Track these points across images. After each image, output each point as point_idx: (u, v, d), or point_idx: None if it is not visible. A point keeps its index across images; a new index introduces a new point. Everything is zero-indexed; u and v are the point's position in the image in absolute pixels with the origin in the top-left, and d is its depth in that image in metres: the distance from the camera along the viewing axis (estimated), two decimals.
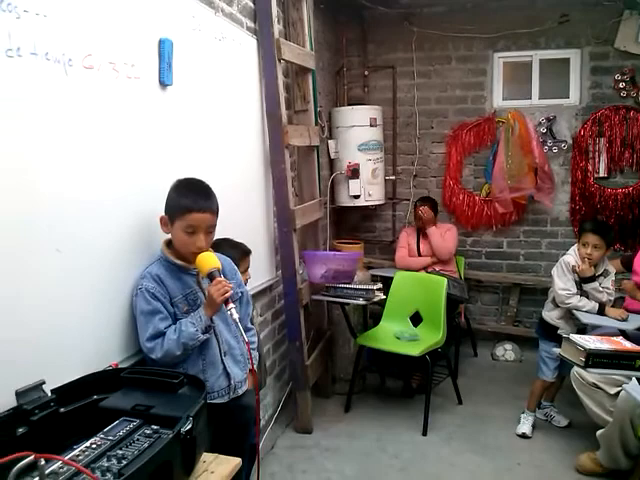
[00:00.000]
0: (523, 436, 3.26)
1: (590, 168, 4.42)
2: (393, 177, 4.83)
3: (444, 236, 4.18)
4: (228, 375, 1.95)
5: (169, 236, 1.90)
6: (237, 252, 2.28)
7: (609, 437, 2.70)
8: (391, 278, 3.91)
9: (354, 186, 4.39)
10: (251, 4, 2.94)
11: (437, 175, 4.82)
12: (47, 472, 1.09)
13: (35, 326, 1.48)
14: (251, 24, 2.94)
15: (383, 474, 2.92)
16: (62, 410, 1.39)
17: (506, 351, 4.54)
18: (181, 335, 1.77)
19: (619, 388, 2.65)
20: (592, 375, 2.73)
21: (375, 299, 3.35)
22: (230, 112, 2.66)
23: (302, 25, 3.44)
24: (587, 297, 3.13)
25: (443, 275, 3.83)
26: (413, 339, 3.54)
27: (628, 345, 2.65)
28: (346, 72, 4.78)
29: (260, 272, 2.99)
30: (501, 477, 2.89)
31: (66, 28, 1.57)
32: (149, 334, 1.78)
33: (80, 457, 1.17)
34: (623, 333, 2.96)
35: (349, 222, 4.99)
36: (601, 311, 3.08)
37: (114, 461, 1.16)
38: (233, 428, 1.94)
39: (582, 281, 3.12)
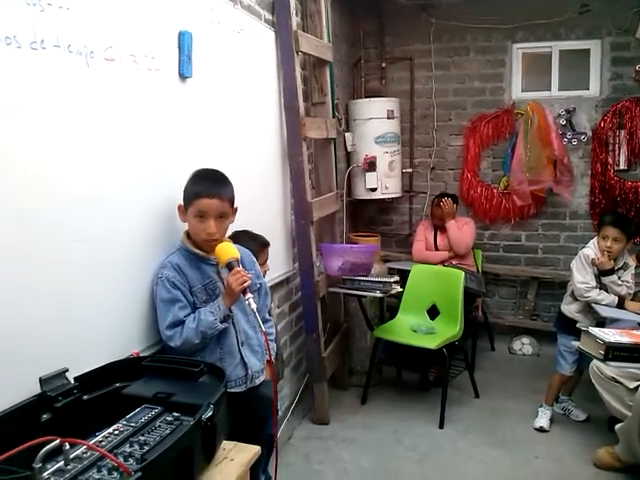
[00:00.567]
0: (540, 430, 3.25)
1: (610, 160, 4.37)
2: (410, 170, 4.81)
3: (462, 230, 4.16)
4: (245, 365, 1.97)
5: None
6: (256, 244, 2.29)
7: (628, 431, 2.68)
8: (408, 271, 3.91)
9: (371, 179, 4.39)
10: None
11: (455, 168, 4.79)
12: (71, 456, 1.11)
13: (58, 315, 1.50)
14: (269, 16, 2.94)
15: (399, 466, 2.93)
16: (85, 397, 1.42)
17: (524, 345, 4.51)
18: (200, 324, 1.79)
19: (638, 382, 2.63)
20: (611, 369, 2.71)
21: (392, 292, 3.35)
22: (248, 104, 2.67)
23: (320, 17, 3.43)
24: (606, 290, 3.10)
25: (460, 269, 3.81)
26: (430, 332, 3.54)
27: None
28: (363, 64, 4.76)
29: (277, 264, 3.01)
30: (518, 470, 2.89)
31: (88, 21, 1.58)
32: (168, 322, 1.81)
33: (103, 443, 1.19)
34: None
35: (366, 215, 4.98)
36: (620, 304, 3.06)
37: (136, 447, 1.18)
38: (250, 418, 1.95)
39: (601, 274, 3.10)
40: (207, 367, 1.50)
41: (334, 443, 3.14)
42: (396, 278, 3.38)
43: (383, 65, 4.78)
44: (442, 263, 4.10)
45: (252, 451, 1.45)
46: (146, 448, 1.17)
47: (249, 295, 1.75)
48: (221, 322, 1.81)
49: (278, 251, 3.04)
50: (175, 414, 1.31)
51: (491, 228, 4.76)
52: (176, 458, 1.15)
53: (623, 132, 4.31)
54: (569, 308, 3.24)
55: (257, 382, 2.02)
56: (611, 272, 3.08)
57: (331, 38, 3.60)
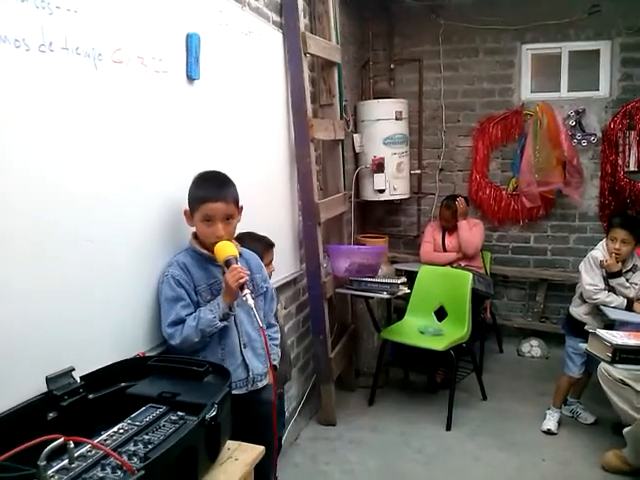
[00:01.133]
0: (548, 432, 3.24)
1: (620, 162, 4.33)
2: (418, 171, 4.80)
3: (471, 231, 4.15)
4: (247, 367, 1.96)
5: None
6: (260, 245, 2.30)
7: (636, 434, 2.66)
8: (415, 273, 3.90)
9: (379, 180, 4.39)
10: None
11: (463, 169, 4.78)
12: (76, 455, 1.12)
13: (65, 314, 1.52)
14: (277, 18, 2.95)
15: (406, 468, 2.93)
16: (91, 396, 1.43)
17: (532, 347, 4.49)
18: (199, 322, 1.80)
19: None
20: (619, 371, 2.70)
21: (399, 293, 3.35)
22: (256, 106, 2.68)
23: (328, 19, 3.44)
24: (615, 292, 3.08)
25: (469, 270, 3.80)
26: (437, 334, 3.54)
27: None
28: (372, 65, 4.76)
29: (285, 265, 3.02)
30: (525, 473, 2.88)
31: (96, 23, 1.60)
32: (170, 320, 1.82)
33: (108, 441, 1.20)
34: None
35: (374, 216, 4.98)
36: (629, 307, 3.04)
37: (140, 445, 1.19)
38: (251, 421, 1.91)
39: (609, 276, 3.08)
40: (212, 367, 1.51)
41: (341, 444, 3.14)
42: (403, 279, 3.38)
43: (392, 66, 4.78)
44: (450, 264, 4.09)
45: (256, 451, 1.46)
46: (150, 447, 1.18)
47: (246, 291, 1.75)
48: (220, 320, 1.81)
49: (285, 252, 3.05)
50: (180, 413, 1.32)
51: (500, 229, 4.75)
52: (179, 457, 1.16)
53: (633, 133, 4.27)
54: (577, 310, 3.23)
55: (259, 385, 2.00)
56: (619, 274, 3.06)
57: (339, 39, 3.61)
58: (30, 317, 1.41)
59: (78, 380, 1.43)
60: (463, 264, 4.08)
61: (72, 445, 1.10)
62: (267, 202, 2.78)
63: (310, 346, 3.50)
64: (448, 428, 3.30)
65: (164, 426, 1.27)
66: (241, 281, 1.76)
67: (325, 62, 3.48)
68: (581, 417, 3.38)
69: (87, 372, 1.47)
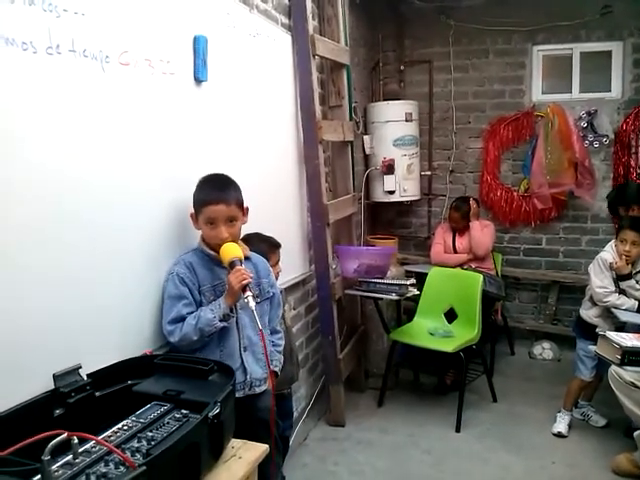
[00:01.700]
0: (559, 435, 3.21)
1: (632, 163, 4.28)
2: (429, 172, 4.79)
3: (482, 232, 4.13)
4: (245, 370, 1.95)
5: None
6: (266, 246, 2.30)
7: None
8: (426, 274, 3.89)
9: (389, 181, 4.39)
10: (286, 1, 2.97)
11: (474, 170, 4.77)
12: (80, 451, 1.14)
13: (73, 313, 1.54)
14: (286, 20, 2.97)
15: (415, 469, 2.92)
16: (97, 394, 1.44)
17: (544, 350, 4.46)
18: (199, 321, 1.81)
19: None
20: (630, 374, 2.67)
21: (408, 294, 3.35)
22: (265, 108, 2.69)
23: (337, 21, 3.45)
24: (626, 295, 3.06)
25: (480, 272, 3.79)
26: (447, 335, 3.53)
27: None
28: (382, 67, 4.77)
29: (293, 266, 3.03)
30: (535, 475, 2.86)
31: (103, 26, 1.62)
32: (171, 317, 1.84)
33: (112, 438, 1.22)
34: None
35: (384, 218, 4.98)
36: None
37: (144, 442, 1.20)
38: (249, 426, 1.81)
39: (619, 279, 3.05)
40: (217, 366, 1.52)
41: (350, 445, 3.14)
42: (412, 281, 3.38)
43: (402, 68, 4.79)
44: (461, 266, 4.08)
45: (260, 450, 1.46)
46: (153, 443, 1.19)
47: (248, 293, 1.76)
48: (220, 321, 1.82)
49: (294, 253, 3.06)
50: (184, 411, 1.34)
51: (511, 231, 4.72)
52: (182, 454, 1.17)
53: None
54: (588, 313, 3.20)
55: (257, 390, 1.98)
56: (629, 277, 3.04)
57: (349, 42, 3.62)
58: (38, 314, 1.43)
59: (85, 378, 1.44)
60: (474, 265, 4.07)
61: (76, 441, 1.11)
62: (276, 203, 2.79)
63: (319, 347, 3.50)
64: (457, 430, 3.29)
65: (168, 423, 1.29)
66: (244, 282, 1.76)
67: (334, 64, 3.49)
68: (592, 420, 3.35)
69: (94, 370, 1.48)
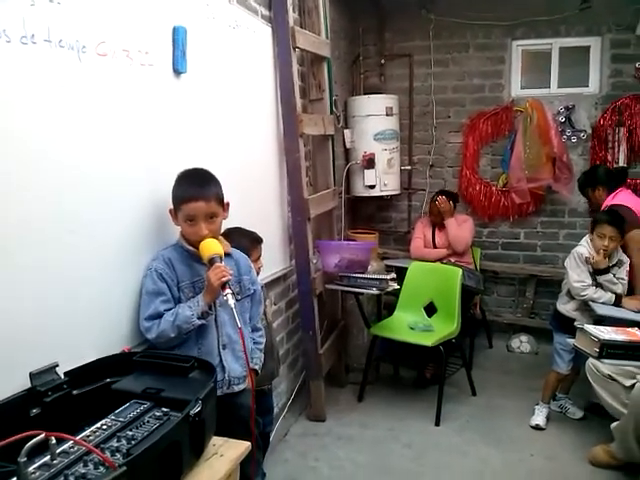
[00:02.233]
0: (537, 427, 3.25)
1: (610, 158, 4.34)
2: (409, 167, 4.79)
3: (461, 227, 4.15)
4: (224, 368, 1.92)
5: None
6: (248, 240, 2.28)
7: (624, 429, 2.67)
8: (406, 269, 3.90)
9: (370, 176, 4.38)
10: None
11: (454, 165, 4.78)
12: (58, 451, 1.11)
13: (49, 310, 1.50)
14: (266, 12, 2.94)
15: (396, 463, 2.93)
16: (75, 392, 1.42)
17: (522, 343, 4.51)
18: (177, 318, 1.78)
19: (634, 380, 2.62)
20: (607, 367, 2.71)
21: (389, 289, 3.35)
22: (244, 100, 2.66)
23: (317, 13, 3.42)
24: (602, 288, 3.10)
25: (459, 266, 3.81)
26: (427, 329, 3.54)
27: None
28: (362, 61, 4.76)
29: (274, 261, 3.00)
30: (513, 467, 2.89)
31: (80, 15, 1.58)
32: (148, 314, 1.81)
33: (91, 437, 1.19)
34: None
35: (364, 212, 4.98)
36: (617, 302, 3.05)
37: (124, 441, 1.18)
38: (228, 424, 1.81)
39: (596, 273, 3.09)
40: (197, 362, 1.50)
41: (330, 440, 3.14)
42: (393, 275, 3.38)
43: (382, 62, 4.77)
44: (440, 260, 4.09)
45: (242, 447, 1.45)
46: (133, 443, 1.17)
47: (227, 291, 1.73)
48: (198, 318, 1.79)
49: (275, 248, 3.04)
50: (164, 409, 1.31)
51: (490, 226, 4.76)
52: (163, 453, 1.15)
53: (622, 129, 4.29)
54: (566, 307, 3.24)
55: (235, 389, 1.96)
56: (606, 271, 3.08)
57: (330, 34, 3.59)
58: (13, 311, 1.39)
59: (62, 376, 1.41)
60: (453, 260, 4.09)
61: (54, 441, 1.09)
62: (256, 197, 2.77)
63: (299, 342, 3.49)
64: (437, 423, 3.31)
65: (148, 422, 1.26)
66: (223, 280, 1.74)
67: (314, 57, 3.46)
68: (569, 412, 3.39)
69: (71, 368, 1.45)
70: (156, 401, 1.34)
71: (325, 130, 3.44)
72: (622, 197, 3.49)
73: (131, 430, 1.22)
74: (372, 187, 4.42)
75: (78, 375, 1.45)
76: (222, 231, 2.00)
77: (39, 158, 1.46)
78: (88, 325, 1.65)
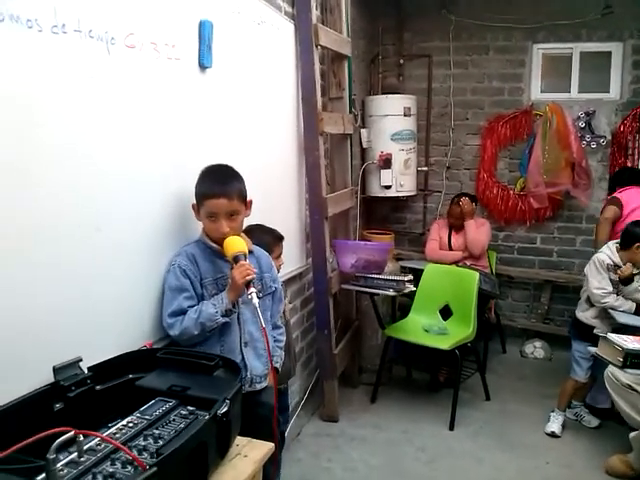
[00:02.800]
0: (552, 435, 3.21)
1: (629, 165, 4.29)
2: (425, 168, 4.76)
3: (478, 230, 4.12)
4: (246, 366, 1.90)
5: None
6: (270, 238, 2.26)
7: None
8: (420, 270, 3.87)
9: (386, 176, 4.35)
10: None
11: (470, 167, 4.74)
12: (84, 448, 1.09)
13: (73, 305, 1.49)
14: (289, 9, 2.91)
15: (409, 466, 2.91)
16: (98, 388, 1.39)
17: (535, 349, 4.46)
18: (200, 315, 1.76)
19: None
20: (627, 376, 2.66)
21: (405, 290, 3.32)
22: (266, 97, 2.64)
23: (339, 11, 3.40)
24: (623, 296, 3.05)
25: (475, 270, 3.77)
26: (442, 333, 3.51)
27: None
28: (381, 60, 4.73)
29: (291, 259, 2.97)
30: (528, 475, 2.85)
31: (110, 6, 1.56)
32: (171, 310, 1.79)
33: (117, 435, 1.17)
34: None
35: (379, 212, 4.95)
36: (638, 311, 3.01)
37: (150, 440, 1.16)
38: (249, 422, 1.81)
39: (622, 282, 3.04)
40: (222, 361, 1.48)
41: (343, 441, 3.12)
42: (410, 277, 3.34)
43: (401, 62, 4.74)
44: (456, 263, 4.06)
45: (266, 448, 1.43)
46: (160, 442, 1.14)
47: (252, 289, 1.72)
48: (222, 316, 1.77)
49: (292, 246, 3.01)
50: (190, 408, 1.29)
51: (506, 229, 4.72)
52: (191, 453, 1.12)
53: None
54: (585, 314, 3.19)
55: (257, 387, 1.94)
56: (631, 280, 3.03)
57: (350, 33, 3.57)
58: (37, 305, 1.37)
59: (85, 371, 1.39)
60: (469, 263, 4.05)
61: (82, 438, 1.06)
62: (275, 194, 2.74)
63: (313, 341, 3.47)
64: (451, 428, 3.27)
65: (174, 420, 1.24)
66: (247, 278, 1.72)
67: (335, 55, 3.44)
68: (585, 420, 3.35)
69: (94, 363, 1.43)
70: (181, 399, 1.32)
71: (344, 129, 3.41)
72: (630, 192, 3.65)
73: (157, 429, 1.20)
74: (388, 187, 4.38)
75: (101, 370, 1.42)
76: (244, 227, 1.98)
77: (67, 152, 1.44)
78: (110, 320, 1.63)
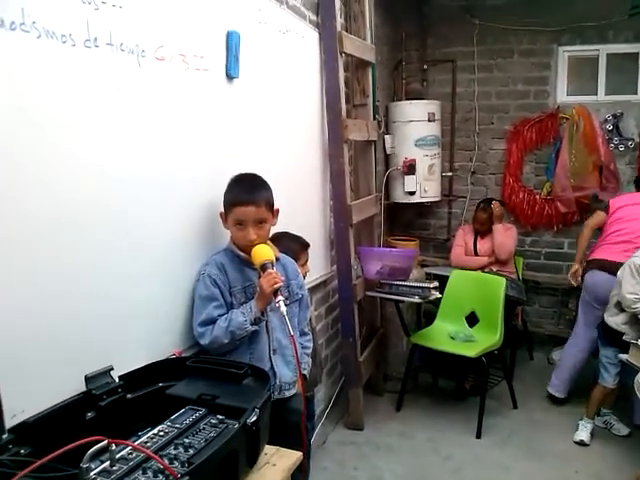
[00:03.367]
0: (581, 443, 3.16)
1: None
2: (450, 173, 4.74)
3: (505, 235, 4.08)
4: (275, 374, 1.92)
5: None
6: (296, 245, 2.28)
7: None
8: (445, 277, 3.84)
9: (410, 182, 4.33)
10: None
11: (496, 172, 4.70)
12: (117, 457, 1.10)
13: (103, 314, 1.51)
14: (314, 17, 2.93)
15: (436, 475, 2.89)
16: (129, 396, 1.41)
17: None
18: (230, 324, 1.78)
19: None
20: None
21: (431, 297, 3.30)
22: (292, 106, 2.66)
23: (363, 18, 3.40)
24: None
25: (501, 275, 3.73)
26: (468, 340, 3.48)
27: None
28: (404, 66, 4.71)
29: (315, 267, 2.97)
30: None
31: (140, 20, 1.59)
32: (202, 319, 1.81)
33: (148, 444, 1.18)
34: None
35: (403, 218, 4.93)
36: None
37: (181, 449, 1.16)
38: (278, 430, 1.82)
39: None
40: (250, 369, 1.48)
41: (369, 449, 3.11)
42: (435, 284, 3.32)
43: (424, 67, 4.73)
44: (482, 269, 4.02)
45: (294, 457, 1.43)
46: (191, 451, 1.15)
47: (280, 298, 1.73)
48: (251, 324, 1.79)
49: (317, 253, 3.01)
50: (219, 417, 1.30)
51: (533, 235, 4.66)
52: (221, 462, 1.13)
53: None
54: (615, 320, 3.13)
55: (286, 394, 1.96)
56: None
57: (373, 40, 3.57)
58: (68, 314, 1.40)
59: (116, 380, 1.41)
60: (495, 269, 4.01)
61: (114, 447, 1.08)
62: (300, 202, 2.75)
63: (338, 349, 3.46)
64: (478, 436, 3.24)
65: (204, 429, 1.25)
66: (275, 286, 1.74)
67: (359, 62, 3.44)
68: (615, 428, 3.29)
69: (125, 372, 1.45)
70: (210, 408, 1.33)
71: (369, 135, 3.41)
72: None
73: (187, 437, 1.21)
74: (412, 193, 4.37)
75: (132, 379, 1.44)
76: (271, 235, 2.00)
77: (98, 159, 1.47)
78: (140, 328, 1.65)
